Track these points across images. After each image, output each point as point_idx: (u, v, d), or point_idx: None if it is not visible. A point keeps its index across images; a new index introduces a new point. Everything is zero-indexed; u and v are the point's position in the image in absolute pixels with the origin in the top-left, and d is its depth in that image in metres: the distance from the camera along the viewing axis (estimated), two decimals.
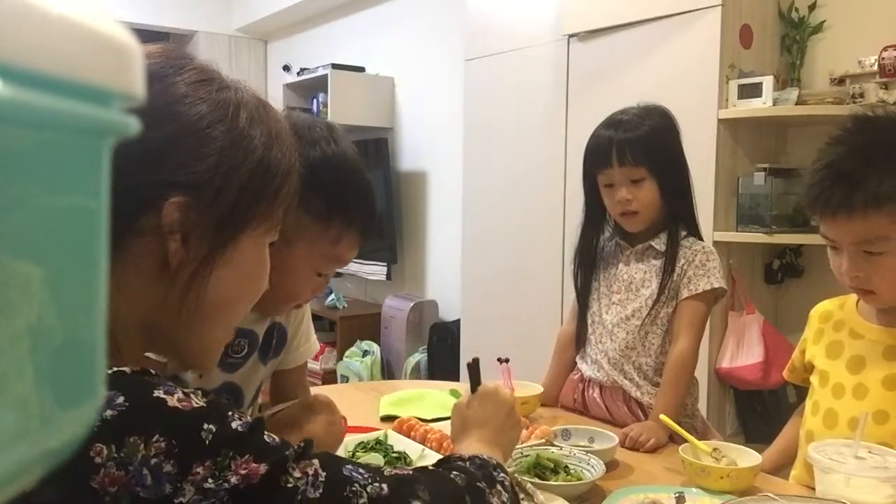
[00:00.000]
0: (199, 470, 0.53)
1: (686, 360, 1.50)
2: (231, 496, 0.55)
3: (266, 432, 0.62)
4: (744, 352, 2.40)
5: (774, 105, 2.33)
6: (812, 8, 2.51)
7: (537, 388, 1.61)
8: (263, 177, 0.67)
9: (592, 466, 1.21)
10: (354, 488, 0.62)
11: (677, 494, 1.10)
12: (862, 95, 2.32)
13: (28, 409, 0.23)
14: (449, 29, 3.81)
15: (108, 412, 0.52)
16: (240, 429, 0.58)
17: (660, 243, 1.57)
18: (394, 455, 1.26)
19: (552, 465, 1.21)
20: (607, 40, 2.73)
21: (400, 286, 4.31)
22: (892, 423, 1.14)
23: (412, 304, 3.99)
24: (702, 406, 1.68)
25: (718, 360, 2.44)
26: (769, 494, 1.03)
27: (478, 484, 0.75)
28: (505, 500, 0.77)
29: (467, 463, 0.80)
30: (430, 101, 4.11)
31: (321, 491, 0.60)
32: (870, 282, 1.14)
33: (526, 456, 1.23)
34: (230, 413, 0.59)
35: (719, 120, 2.39)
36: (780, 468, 1.34)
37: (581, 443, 1.37)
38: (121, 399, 0.53)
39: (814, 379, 1.31)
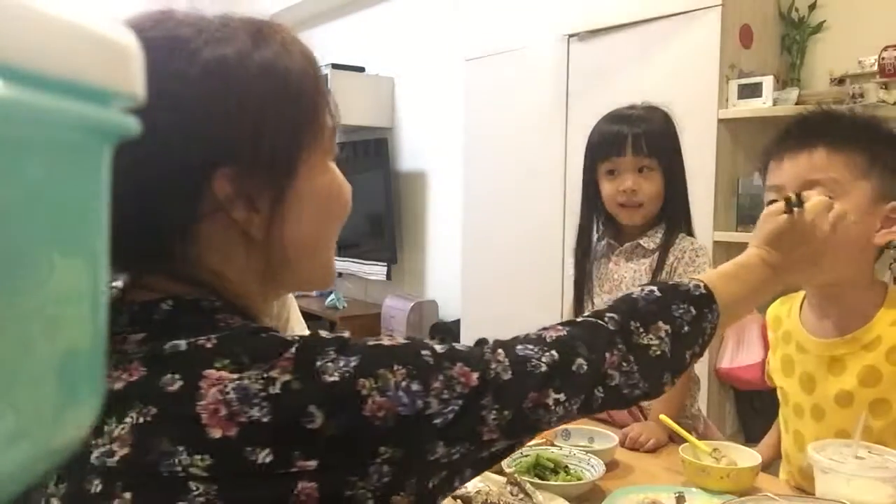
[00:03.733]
0: (436, 384, 0.62)
1: None
2: (464, 399, 0.63)
3: (452, 343, 0.69)
4: (744, 352, 2.39)
5: (774, 105, 2.33)
6: (812, 8, 2.51)
7: None
8: (289, 108, 0.65)
9: (592, 466, 1.21)
10: (533, 363, 0.69)
11: (677, 494, 1.10)
12: (862, 95, 2.31)
13: (38, 408, 0.23)
14: (449, 29, 3.81)
15: (349, 364, 0.59)
16: (441, 350, 0.66)
17: (649, 242, 1.57)
18: None
19: (552, 465, 1.21)
20: (607, 40, 2.73)
21: (400, 286, 4.31)
22: None
23: (412, 304, 3.98)
24: (702, 406, 1.68)
25: (718, 360, 2.44)
26: (769, 494, 1.03)
27: (631, 324, 0.77)
28: (662, 335, 0.78)
29: (643, 293, 0.82)
30: (430, 101, 4.10)
31: (511, 372, 0.67)
32: None
33: (526, 456, 1.23)
34: (427, 342, 0.67)
35: (719, 120, 2.39)
36: (768, 464, 1.34)
37: (581, 443, 1.37)
38: (354, 359, 0.60)
39: (779, 393, 1.29)
